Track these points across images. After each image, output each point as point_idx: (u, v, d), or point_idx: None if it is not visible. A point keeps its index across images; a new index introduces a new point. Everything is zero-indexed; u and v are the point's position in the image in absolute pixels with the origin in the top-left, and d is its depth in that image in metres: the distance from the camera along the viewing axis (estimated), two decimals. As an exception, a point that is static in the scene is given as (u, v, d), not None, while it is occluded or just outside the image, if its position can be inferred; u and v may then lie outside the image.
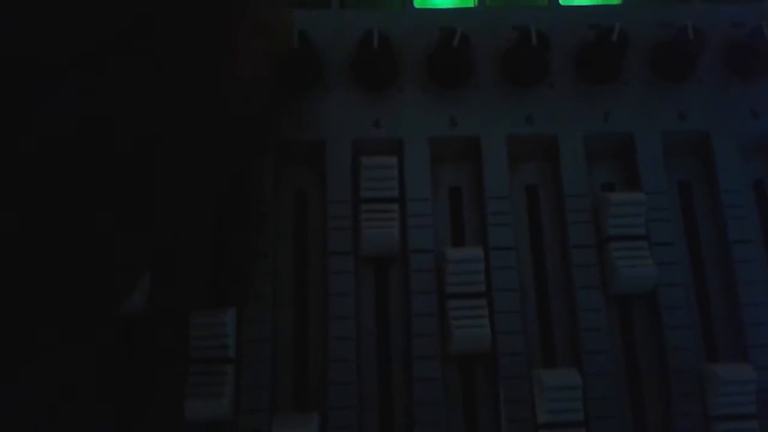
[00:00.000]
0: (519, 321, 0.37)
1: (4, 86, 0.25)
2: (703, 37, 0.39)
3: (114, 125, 0.26)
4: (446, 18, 0.41)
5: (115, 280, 0.29)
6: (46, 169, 0.26)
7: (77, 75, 0.25)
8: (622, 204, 0.37)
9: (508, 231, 0.38)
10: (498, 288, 0.37)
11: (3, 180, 0.25)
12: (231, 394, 0.34)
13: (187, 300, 0.36)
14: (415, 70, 0.40)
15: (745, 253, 0.38)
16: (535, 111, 0.40)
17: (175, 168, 0.29)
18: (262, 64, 0.32)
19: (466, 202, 0.40)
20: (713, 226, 0.39)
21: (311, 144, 0.39)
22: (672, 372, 0.36)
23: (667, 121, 0.40)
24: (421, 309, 0.37)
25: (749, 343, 0.37)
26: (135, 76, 0.27)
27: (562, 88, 0.40)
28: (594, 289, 0.37)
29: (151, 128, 0.27)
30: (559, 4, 0.42)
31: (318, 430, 0.34)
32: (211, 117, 0.30)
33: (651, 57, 0.40)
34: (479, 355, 0.37)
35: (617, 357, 0.37)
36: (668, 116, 0.40)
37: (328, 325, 0.36)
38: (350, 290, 0.37)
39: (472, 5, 0.42)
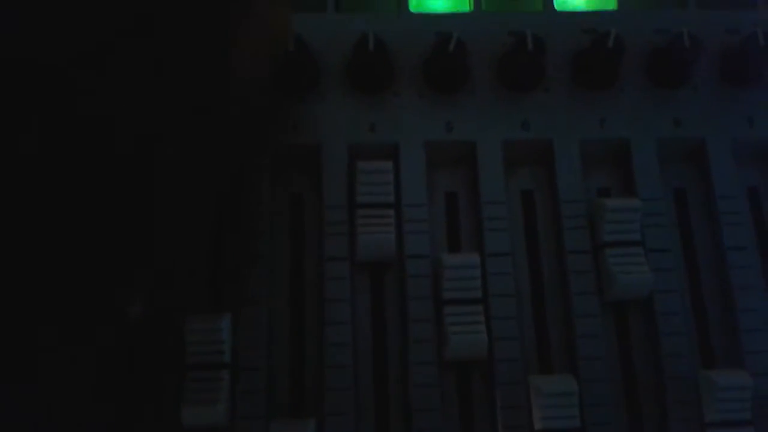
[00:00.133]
0: (515, 327, 0.37)
1: (4, 86, 0.25)
2: (699, 43, 0.39)
3: (114, 125, 0.26)
4: (442, 23, 0.41)
5: (114, 280, 0.29)
6: (45, 169, 0.25)
7: (77, 75, 0.25)
8: (617, 210, 0.37)
9: (504, 236, 0.38)
10: (494, 294, 0.37)
11: (3, 180, 0.25)
12: (227, 401, 0.34)
13: (185, 304, 0.36)
14: (411, 74, 0.40)
15: (740, 260, 0.38)
16: (530, 116, 0.40)
17: (174, 168, 0.29)
18: (262, 63, 0.32)
19: (462, 207, 0.40)
20: (708, 232, 0.39)
21: (307, 148, 0.39)
22: (668, 378, 0.36)
23: (663, 127, 0.40)
24: (417, 315, 0.36)
25: (745, 349, 0.37)
26: (135, 76, 0.26)
27: (558, 93, 0.40)
28: (590, 295, 0.37)
29: (151, 128, 0.27)
30: (554, 9, 0.42)
31: (314, 436, 0.34)
32: (211, 117, 0.30)
33: (647, 63, 0.41)
34: (476, 361, 0.36)
35: (613, 363, 0.37)
36: (664, 122, 0.40)
37: (325, 330, 0.36)
38: (346, 296, 0.37)
39: (467, 10, 0.42)
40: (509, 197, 0.39)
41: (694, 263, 0.39)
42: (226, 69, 0.30)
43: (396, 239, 0.37)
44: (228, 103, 0.31)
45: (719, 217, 0.39)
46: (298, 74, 0.39)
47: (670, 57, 0.40)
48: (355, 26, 0.40)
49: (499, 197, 0.38)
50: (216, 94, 0.30)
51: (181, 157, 0.29)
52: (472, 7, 0.42)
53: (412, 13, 0.41)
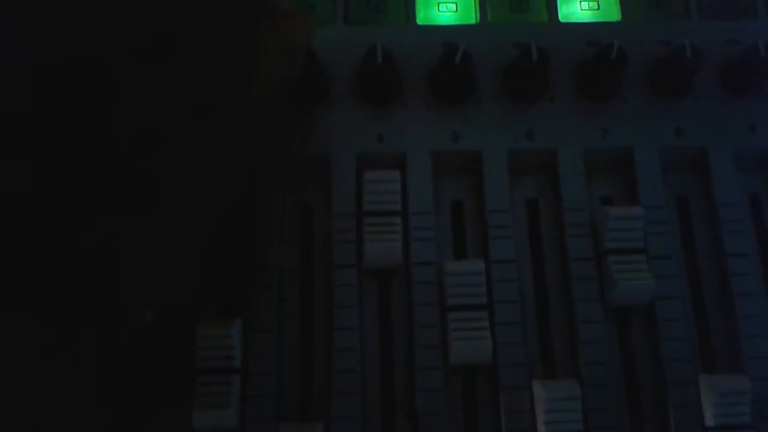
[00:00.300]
0: (519, 333, 0.37)
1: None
2: (701, 54, 0.39)
3: (131, 133, 0.27)
4: (448, 34, 0.42)
5: (124, 284, 0.29)
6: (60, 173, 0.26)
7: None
8: (620, 218, 0.38)
9: (508, 244, 0.39)
10: (499, 300, 0.38)
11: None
12: (237, 405, 0.35)
13: (196, 309, 0.37)
14: (418, 85, 0.41)
15: (741, 267, 0.39)
16: (535, 126, 0.40)
17: (187, 173, 0.29)
18: (285, 73, 0.33)
19: (467, 215, 0.40)
20: (710, 239, 0.40)
21: (316, 158, 0.40)
22: (669, 383, 0.37)
23: (665, 136, 0.40)
24: (423, 320, 0.37)
25: (745, 354, 0.37)
26: (153, 85, 0.27)
27: (562, 103, 0.41)
28: (593, 302, 0.38)
29: (166, 136, 0.28)
30: (559, 21, 0.43)
31: (322, 439, 0.35)
32: (231, 123, 0.31)
33: (649, 74, 0.41)
34: (481, 366, 0.37)
35: (616, 368, 0.38)
36: (666, 132, 0.40)
37: (333, 336, 0.37)
38: (354, 302, 0.37)
39: (473, 22, 0.43)
40: (514, 206, 0.40)
41: (696, 270, 0.40)
42: (249, 82, 0.31)
43: (403, 247, 0.38)
44: (246, 113, 0.31)
45: (721, 225, 0.39)
46: (308, 85, 0.40)
47: (672, 67, 0.40)
48: (363, 38, 0.41)
49: (504, 205, 0.39)
50: (236, 105, 0.31)
51: (194, 162, 0.30)
52: (478, 20, 0.43)
53: (419, 26, 0.42)
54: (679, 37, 0.40)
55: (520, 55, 0.40)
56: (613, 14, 0.43)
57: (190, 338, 0.36)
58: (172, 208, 0.30)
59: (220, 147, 0.31)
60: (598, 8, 0.43)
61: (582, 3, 0.43)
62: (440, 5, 0.43)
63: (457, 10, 0.43)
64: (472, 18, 0.43)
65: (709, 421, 0.36)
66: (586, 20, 0.43)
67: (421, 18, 0.43)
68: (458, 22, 0.43)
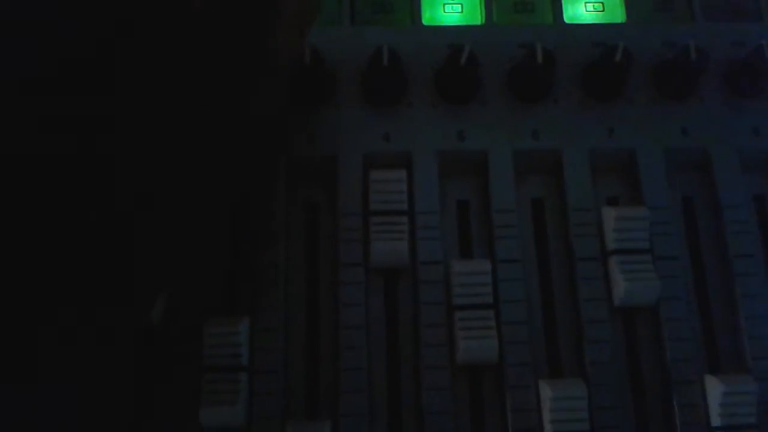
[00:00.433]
0: (525, 332, 0.37)
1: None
2: (705, 56, 0.39)
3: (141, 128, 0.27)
4: (454, 35, 0.42)
5: (132, 282, 0.29)
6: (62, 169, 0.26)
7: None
8: (625, 218, 0.38)
9: (514, 244, 0.39)
10: (505, 300, 0.38)
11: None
12: (244, 402, 0.35)
13: (203, 309, 0.37)
14: (424, 85, 0.41)
15: (746, 267, 0.39)
16: (540, 126, 0.41)
17: (191, 170, 0.30)
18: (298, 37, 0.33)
19: (473, 214, 0.40)
20: (715, 240, 0.40)
21: (323, 158, 0.40)
22: (674, 383, 0.37)
23: (670, 137, 0.41)
24: (429, 319, 0.37)
25: (750, 354, 0.38)
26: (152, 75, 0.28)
27: (567, 104, 0.41)
28: (598, 301, 0.38)
29: (174, 131, 0.28)
30: (564, 22, 0.43)
31: (329, 437, 0.35)
32: (234, 118, 0.31)
33: (654, 75, 0.41)
34: (487, 365, 0.37)
35: (621, 368, 0.38)
36: (671, 132, 0.41)
37: (339, 334, 0.37)
38: (360, 300, 0.38)
39: (479, 23, 0.43)
40: (520, 205, 0.40)
41: (701, 270, 0.40)
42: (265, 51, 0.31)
43: (409, 246, 0.38)
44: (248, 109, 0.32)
45: (725, 225, 0.39)
46: (314, 86, 0.40)
47: (677, 69, 0.40)
48: (369, 39, 0.41)
49: (509, 205, 0.39)
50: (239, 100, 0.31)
51: (199, 160, 0.30)
52: (483, 20, 0.43)
53: (425, 26, 0.42)
54: (684, 39, 0.40)
55: (526, 56, 0.40)
56: (618, 16, 0.43)
57: (198, 336, 0.36)
58: (174, 206, 0.30)
59: (222, 143, 0.31)
60: (603, 10, 0.44)
61: (587, 4, 0.44)
62: (446, 6, 0.43)
63: (462, 11, 0.43)
64: (477, 19, 0.43)
65: (715, 421, 0.36)
66: (591, 21, 0.43)
67: (427, 18, 0.43)
68: (464, 23, 0.43)
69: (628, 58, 0.39)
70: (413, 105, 0.41)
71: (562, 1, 0.43)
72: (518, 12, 0.43)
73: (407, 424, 0.37)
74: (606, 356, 0.37)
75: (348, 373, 0.36)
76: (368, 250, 0.38)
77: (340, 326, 0.37)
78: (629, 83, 0.41)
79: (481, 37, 0.42)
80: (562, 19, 0.43)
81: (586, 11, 0.43)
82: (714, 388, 0.36)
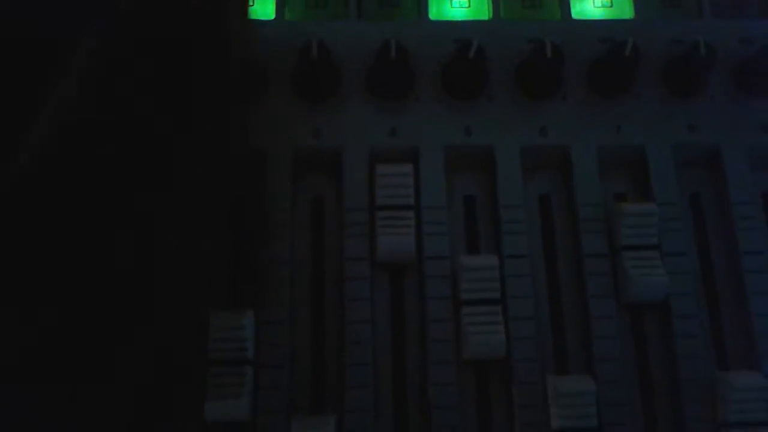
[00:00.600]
0: (533, 327, 0.37)
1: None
2: (714, 52, 0.39)
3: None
4: (461, 30, 0.42)
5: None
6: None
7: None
8: (634, 214, 0.38)
9: (522, 239, 0.38)
10: (512, 295, 0.38)
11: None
12: (249, 396, 0.35)
13: (207, 303, 0.36)
14: (431, 80, 0.41)
15: (755, 264, 0.39)
16: (548, 122, 0.40)
17: (191, 158, 0.30)
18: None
19: (480, 210, 0.40)
20: (724, 236, 0.40)
21: (329, 152, 0.39)
22: (683, 379, 0.37)
23: (678, 133, 0.40)
24: (436, 314, 0.37)
25: (759, 351, 0.37)
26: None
27: (575, 100, 0.41)
28: (607, 298, 0.38)
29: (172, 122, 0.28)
30: (572, 18, 0.43)
31: (335, 432, 0.35)
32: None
33: (662, 71, 0.41)
34: (494, 361, 0.37)
35: (629, 364, 0.38)
36: (679, 129, 0.40)
37: (345, 329, 0.37)
38: (366, 295, 0.37)
39: (486, 18, 0.43)
40: (527, 201, 0.40)
41: (710, 267, 0.40)
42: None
43: (415, 241, 0.38)
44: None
45: (734, 222, 0.39)
46: (321, 80, 0.40)
47: (685, 65, 0.40)
48: (376, 33, 0.41)
49: (516, 201, 0.39)
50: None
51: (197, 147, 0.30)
52: (491, 15, 0.42)
53: (431, 21, 0.42)
54: (693, 35, 0.40)
55: (534, 51, 0.40)
56: (626, 12, 0.43)
57: (203, 329, 0.35)
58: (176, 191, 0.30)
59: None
60: (611, 6, 0.43)
61: (595, 0, 0.43)
62: (453, 1, 0.43)
63: (469, 6, 0.43)
64: (484, 14, 0.43)
65: (724, 417, 0.36)
66: (599, 17, 0.43)
67: (434, 13, 0.43)
68: (471, 18, 0.43)
69: (636, 55, 0.39)
70: (420, 99, 0.40)
71: (570, -3, 0.43)
72: (526, 7, 0.43)
73: (413, 419, 0.37)
74: (614, 352, 0.37)
75: (354, 368, 0.36)
76: (374, 245, 0.38)
77: (345, 321, 0.37)
78: (637, 80, 0.41)
79: (488, 32, 0.41)
80: (570, 15, 0.43)
81: (594, 7, 0.43)
82: (724, 384, 0.36)
